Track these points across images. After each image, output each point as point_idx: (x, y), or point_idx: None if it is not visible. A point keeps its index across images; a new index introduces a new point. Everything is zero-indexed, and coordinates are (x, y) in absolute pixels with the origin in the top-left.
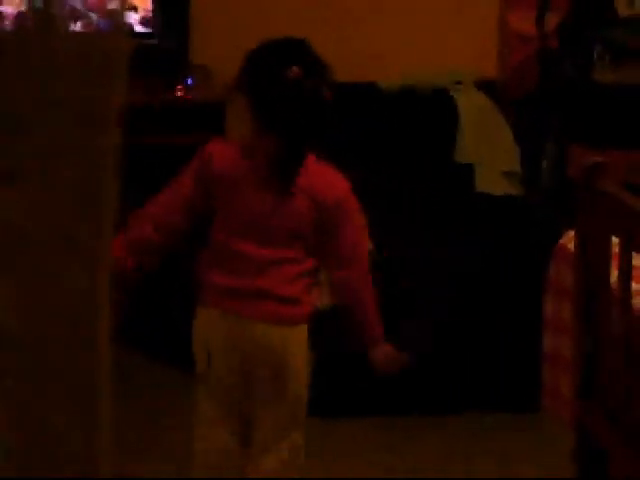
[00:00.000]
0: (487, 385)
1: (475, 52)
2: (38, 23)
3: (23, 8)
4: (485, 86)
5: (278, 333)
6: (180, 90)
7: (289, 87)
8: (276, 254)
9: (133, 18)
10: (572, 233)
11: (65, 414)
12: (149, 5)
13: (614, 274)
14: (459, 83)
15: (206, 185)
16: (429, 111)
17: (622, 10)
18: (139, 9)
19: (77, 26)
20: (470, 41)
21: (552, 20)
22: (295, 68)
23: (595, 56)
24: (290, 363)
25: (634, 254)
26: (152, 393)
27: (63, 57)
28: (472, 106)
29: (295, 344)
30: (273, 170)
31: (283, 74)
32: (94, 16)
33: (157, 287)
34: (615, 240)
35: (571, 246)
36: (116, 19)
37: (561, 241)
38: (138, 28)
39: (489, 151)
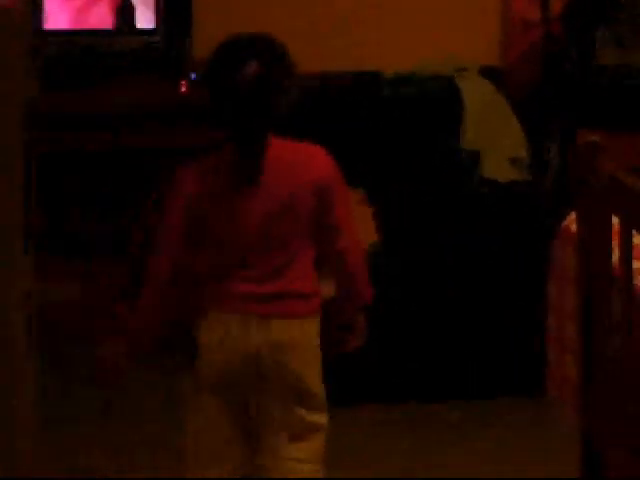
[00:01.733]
0: (492, 370)
1: (479, 39)
2: None
3: None
4: (490, 73)
5: (294, 325)
6: (184, 85)
7: (242, 80)
8: (286, 255)
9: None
10: (575, 214)
11: None
12: (152, 2)
13: (616, 253)
14: (464, 70)
15: (195, 216)
16: (434, 99)
17: None
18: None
19: None
20: (474, 28)
21: (556, 5)
22: (253, 65)
23: (598, 40)
24: (305, 353)
25: (634, 233)
26: (146, 400)
27: None
28: (477, 93)
29: (310, 335)
30: (240, 172)
31: (238, 69)
32: None
33: None
34: (616, 219)
35: (574, 227)
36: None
37: (564, 222)
38: (141, 25)
39: (495, 137)
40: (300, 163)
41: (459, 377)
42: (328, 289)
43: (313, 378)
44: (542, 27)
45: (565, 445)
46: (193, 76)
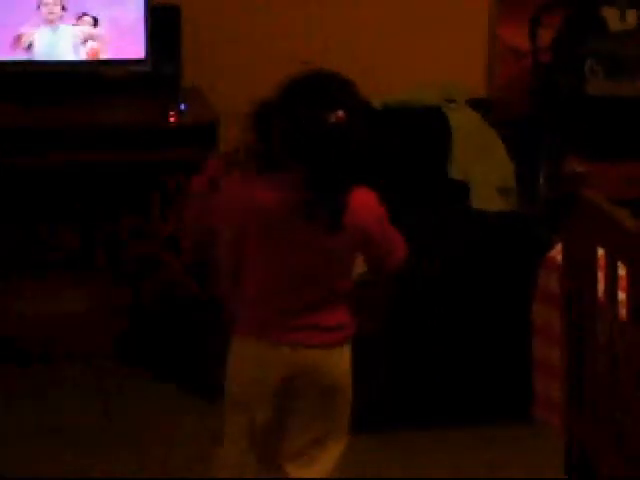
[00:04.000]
0: (478, 396)
1: (467, 70)
2: None
3: None
4: (478, 103)
5: (325, 355)
6: (173, 116)
7: (331, 131)
8: (323, 290)
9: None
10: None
11: None
12: (142, 31)
13: (602, 284)
14: (452, 101)
15: (237, 222)
16: (422, 129)
17: (613, 25)
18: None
19: None
20: (462, 59)
21: (545, 35)
22: (340, 113)
23: (587, 69)
24: (337, 382)
25: (619, 264)
26: (148, 410)
27: None
28: (465, 123)
29: (341, 363)
30: (315, 211)
31: (326, 119)
32: None
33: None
34: (601, 251)
35: (559, 258)
36: None
37: (550, 253)
38: (131, 55)
39: (483, 168)
40: (357, 207)
41: (445, 404)
42: (360, 266)
43: (342, 400)
44: (531, 57)
45: (553, 468)
46: (182, 105)
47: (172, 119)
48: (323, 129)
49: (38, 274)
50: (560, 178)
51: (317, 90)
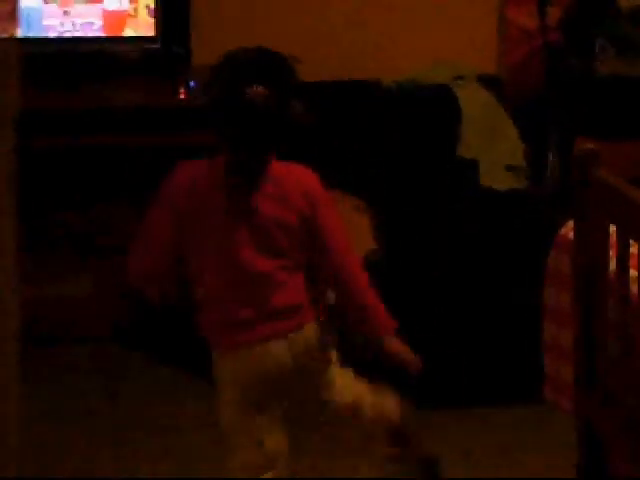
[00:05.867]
0: (489, 377)
1: (476, 47)
2: None
3: None
4: (487, 81)
5: (292, 341)
6: (183, 93)
7: (247, 105)
8: (272, 277)
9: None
10: (572, 223)
11: None
12: (152, 9)
13: (613, 262)
14: (461, 78)
15: (179, 218)
16: (431, 107)
17: (624, 1)
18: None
19: None
20: (471, 36)
21: (554, 14)
22: (259, 88)
23: (598, 49)
24: (311, 361)
25: (631, 242)
26: (152, 394)
27: None
28: (474, 101)
29: (309, 342)
30: (235, 186)
31: (242, 93)
32: None
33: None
34: (613, 228)
35: (571, 235)
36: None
37: (561, 231)
38: (141, 32)
39: (493, 146)
40: (292, 179)
41: (456, 384)
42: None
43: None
44: (540, 36)
45: (564, 451)
46: (192, 83)
47: (182, 96)
48: (240, 103)
49: (42, 257)
50: (571, 156)
51: (240, 65)
